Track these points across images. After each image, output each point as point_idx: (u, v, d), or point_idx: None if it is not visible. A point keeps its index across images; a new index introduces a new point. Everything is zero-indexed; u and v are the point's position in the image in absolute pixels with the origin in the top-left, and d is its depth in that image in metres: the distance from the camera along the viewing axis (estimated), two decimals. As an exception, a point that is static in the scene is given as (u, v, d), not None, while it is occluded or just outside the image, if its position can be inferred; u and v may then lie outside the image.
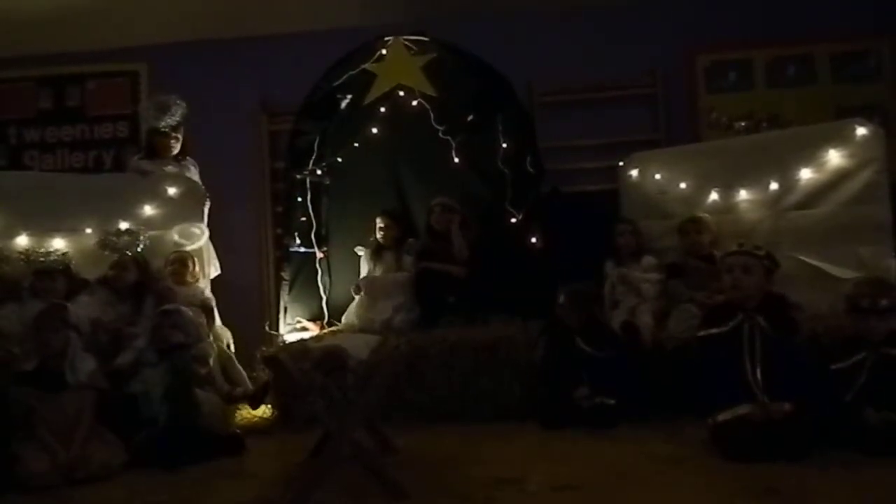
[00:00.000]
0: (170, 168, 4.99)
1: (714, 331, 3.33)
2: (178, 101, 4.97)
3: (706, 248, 4.33)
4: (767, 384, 3.08)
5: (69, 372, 3.38)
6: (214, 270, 5.02)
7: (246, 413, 4.22)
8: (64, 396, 3.33)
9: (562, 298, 3.96)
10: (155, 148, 5.02)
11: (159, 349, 3.71)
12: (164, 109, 4.93)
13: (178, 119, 4.96)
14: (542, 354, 3.96)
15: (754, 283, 3.32)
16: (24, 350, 3.49)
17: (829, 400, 3.08)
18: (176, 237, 4.77)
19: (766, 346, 3.16)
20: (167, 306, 3.88)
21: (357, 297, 4.85)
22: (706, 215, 4.49)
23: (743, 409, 3.04)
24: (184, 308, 3.90)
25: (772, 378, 3.09)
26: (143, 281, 4.35)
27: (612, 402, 3.64)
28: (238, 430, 3.90)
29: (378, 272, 4.92)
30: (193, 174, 5.11)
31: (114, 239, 4.52)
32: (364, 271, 4.97)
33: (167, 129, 4.94)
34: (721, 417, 3.08)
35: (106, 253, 4.48)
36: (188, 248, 4.74)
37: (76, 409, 3.33)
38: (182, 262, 4.63)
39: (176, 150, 5.04)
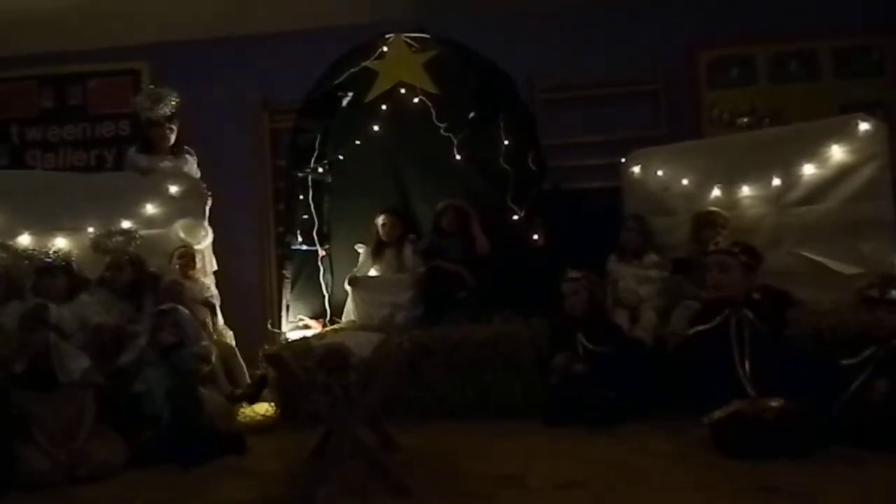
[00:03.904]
0: (166, 163, 5.00)
1: (702, 327, 3.36)
2: (172, 93, 4.98)
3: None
4: (757, 377, 3.10)
5: (59, 371, 3.33)
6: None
7: (248, 411, 4.22)
8: (58, 396, 3.31)
9: (572, 273, 3.97)
10: (151, 140, 5.04)
11: (157, 350, 3.70)
12: (158, 100, 4.95)
13: (172, 109, 4.97)
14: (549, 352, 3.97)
15: (731, 280, 3.35)
16: (14, 351, 3.46)
17: (824, 395, 3.08)
18: (181, 233, 4.77)
19: (755, 339, 3.18)
20: (164, 306, 3.87)
21: (351, 293, 4.85)
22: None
23: (734, 406, 3.05)
24: (180, 307, 3.89)
25: (762, 371, 3.11)
26: (141, 279, 4.35)
27: (613, 395, 3.64)
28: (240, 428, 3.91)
29: (378, 269, 4.92)
30: (192, 164, 5.13)
31: (106, 240, 4.53)
32: (360, 267, 4.97)
33: (162, 120, 4.95)
34: (716, 415, 3.08)
35: (99, 255, 4.49)
36: (195, 248, 4.76)
37: (73, 407, 3.31)
38: (190, 256, 4.66)
39: (171, 142, 5.05)
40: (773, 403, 2.99)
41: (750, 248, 3.50)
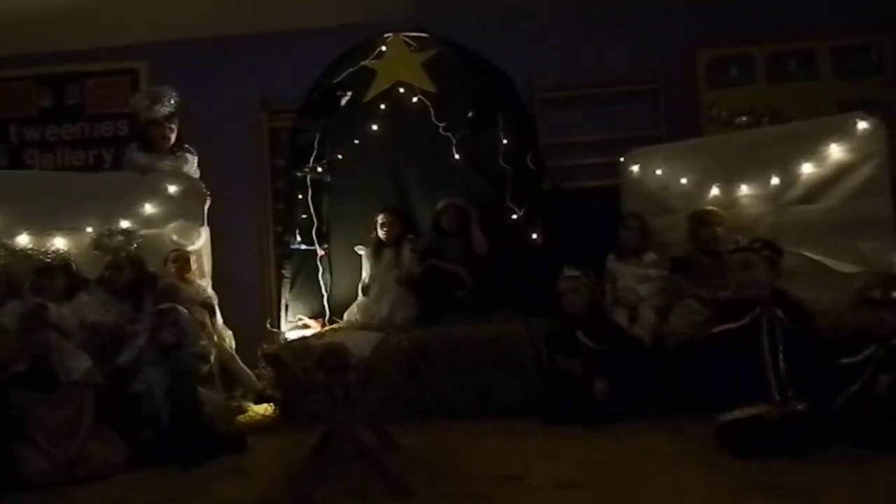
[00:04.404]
0: (166, 163, 4.99)
1: (731, 326, 3.27)
2: (171, 91, 4.96)
3: (718, 241, 4.29)
4: (787, 377, 3.05)
5: (60, 371, 3.33)
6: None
7: (248, 411, 4.22)
8: (58, 396, 3.31)
9: (571, 271, 3.96)
10: (151, 139, 5.02)
11: (157, 350, 3.70)
12: (157, 99, 4.94)
13: (171, 108, 4.96)
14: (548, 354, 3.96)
15: (757, 277, 3.31)
16: (14, 352, 3.45)
17: (825, 394, 3.08)
18: (174, 236, 4.76)
19: (786, 339, 3.14)
20: (164, 305, 3.87)
21: (361, 297, 4.86)
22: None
23: (758, 409, 3.00)
24: (180, 307, 3.88)
25: (790, 371, 3.06)
26: (140, 278, 4.34)
27: (613, 394, 3.64)
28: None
29: (378, 269, 4.92)
30: (192, 163, 5.12)
31: (108, 239, 4.52)
32: (366, 270, 4.96)
33: (161, 119, 4.94)
34: (733, 416, 3.05)
35: (99, 253, 4.48)
36: (188, 249, 4.74)
37: (72, 407, 3.31)
38: (185, 259, 4.64)
39: (171, 141, 5.04)
40: (800, 407, 2.98)
41: (770, 242, 3.46)
